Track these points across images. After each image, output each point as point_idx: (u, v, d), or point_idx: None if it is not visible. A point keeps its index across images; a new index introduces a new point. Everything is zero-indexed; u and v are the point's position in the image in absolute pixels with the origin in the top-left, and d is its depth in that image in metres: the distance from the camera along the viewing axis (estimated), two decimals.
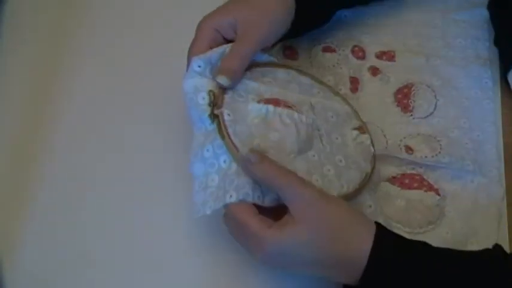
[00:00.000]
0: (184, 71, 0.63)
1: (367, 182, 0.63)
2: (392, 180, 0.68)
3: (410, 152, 0.70)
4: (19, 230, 0.65)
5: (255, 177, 0.56)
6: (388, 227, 0.57)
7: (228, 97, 0.61)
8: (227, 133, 0.58)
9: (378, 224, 0.56)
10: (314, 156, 0.60)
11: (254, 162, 0.56)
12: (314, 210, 0.54)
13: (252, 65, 0.65)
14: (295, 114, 0.61)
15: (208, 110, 0.60)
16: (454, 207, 0.67)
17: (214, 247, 0.65)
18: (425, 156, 0.69)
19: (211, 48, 0.63)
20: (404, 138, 0.71)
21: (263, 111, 0.60)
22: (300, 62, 0.76)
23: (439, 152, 0.69)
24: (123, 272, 0.64)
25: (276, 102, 0.61)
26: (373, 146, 0.66)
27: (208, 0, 0.79)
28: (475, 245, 0.65)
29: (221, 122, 0.59)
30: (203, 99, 0.60)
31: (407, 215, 0.66)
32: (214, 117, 0.60)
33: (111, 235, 0.66)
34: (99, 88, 0.75)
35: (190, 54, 0.63)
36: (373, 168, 0.64)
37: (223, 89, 0.61)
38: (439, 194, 0.67)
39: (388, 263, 0.54)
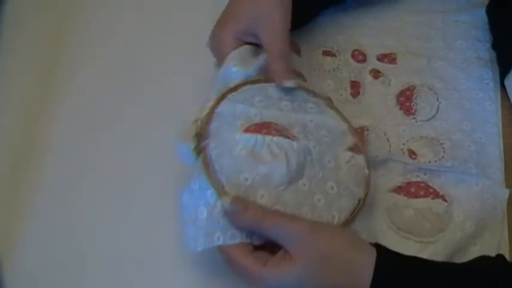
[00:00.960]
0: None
1: (360, 209, 0.61)
2: (398, 190, 0.67)
3: (414, 156, 0.69)
4: (19, 230, 0.65)
5: (241, 227, 0.55)
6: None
7: (213, 127, 0.59)
8: (213, 170, 0.56)
9: (377, 247, 0.55)
10: (305, 185, 0.58)
11: (238, 213, 0.55)
12: (307, 245, 0.53)
13: (241, 84, 0.63)
14: (286, 142, 0.58)
15: (194, 142, 0.58)
16: (462, 212, 0.66)
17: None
18: (429, 161, 0.69)
19: None
20: (408, 141, 0.71)
21: (251, 143, 0.58)
22: (299, 66, 0.74)
23: (442, 156, 0.69)
24: (123, 272, 0.64)
25: (266, 127, 0.59)
26: (368, 167, 0.63)
27: (207, 0, 0.79)
28: (478, 245, 0.65)
29: (207, 157, 0.57)
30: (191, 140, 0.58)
31: (417, 224, 0.65)
32: (199, 151, 0.58)
33: (112, 235, 0.65)
34: (99, 88, 0.75)
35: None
36: (366, 194, 0.62)
37: (209, 118, 0.60)
38: (446, 201, 0.67)
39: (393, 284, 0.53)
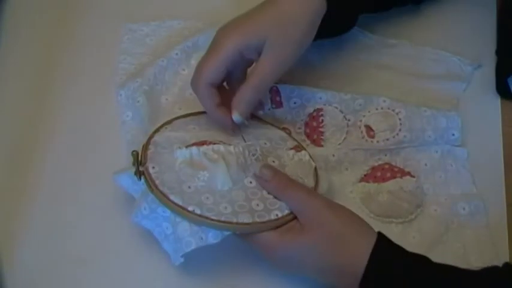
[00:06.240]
0: None
1: None
2: (365, 178, 0.68)
3: (372, 134, 0.69)
4: (19, 230, 0.65)
5: (269, 191, 0.60)
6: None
7: (150, 152, 0.62)
8: (154, 185, 0.59)
9: (379, 234, 0.57)
10: (251, 182, 0.61)
11: (266, 179, 0.60)
12: (320, 220, 0.57)
13: (174, 118, 0.67)
14: (221, 147, 0.62)
15: (133, 169, 0.61)
16: (431, 185, 0.67)
17: (215, 252, 0.64)
18: (387, 139, 0.68)
19: (228, 71, 0.63)
20: (364, 116, 0.70)
21: (187, 155, 0.61)
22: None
23: (400, 130, 0.68)
24: (123, 272, 0.64)
25: (202, 143, 0.62)
26: (313, 160, 0.65)
27: (210, 9, 0.79)
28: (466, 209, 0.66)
29: (147, 176, 0.60)
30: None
31: (394, 207, 0.66)
32: (141, 174, 0.61)
33: (111, 235, 0.66)
34: (99, 87, 0.75)
35: (203, 71, 0.62)
36: (316, 182, 0.64)
37: (146, 146, 0.63)
38: (413, 176, 0.67)
39: (386, 272, 0.55)
